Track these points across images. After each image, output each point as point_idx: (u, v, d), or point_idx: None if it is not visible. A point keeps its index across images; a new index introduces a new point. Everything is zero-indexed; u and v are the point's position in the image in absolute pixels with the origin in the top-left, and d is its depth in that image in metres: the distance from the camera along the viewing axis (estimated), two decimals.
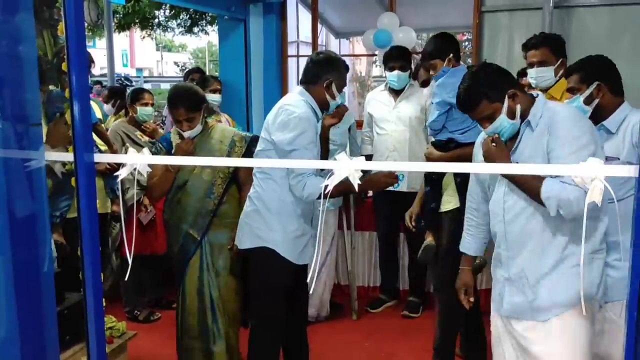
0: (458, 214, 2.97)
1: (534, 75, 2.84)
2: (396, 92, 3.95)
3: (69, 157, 1.47)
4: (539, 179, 1.89)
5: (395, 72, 3.82)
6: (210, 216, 2.79)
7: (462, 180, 2.92)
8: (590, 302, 1.96)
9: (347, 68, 2.71)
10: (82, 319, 1.49)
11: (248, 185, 2.71)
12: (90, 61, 3.77)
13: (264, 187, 2.59)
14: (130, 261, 1.68)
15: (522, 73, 3.00)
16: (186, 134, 2.73)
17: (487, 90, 1.98)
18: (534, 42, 2.86)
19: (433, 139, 3.08)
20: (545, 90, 2.77)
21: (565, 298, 1.95)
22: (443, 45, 2.93)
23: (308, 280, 2.44)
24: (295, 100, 2.58)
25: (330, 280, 3.99)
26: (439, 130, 2.99)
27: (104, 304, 1.59)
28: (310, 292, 3.29)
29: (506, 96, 1.97)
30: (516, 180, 1.98)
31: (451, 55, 2.91)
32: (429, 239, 3.11)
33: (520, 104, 1.99)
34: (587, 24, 4.51)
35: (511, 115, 1.98)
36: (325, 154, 2.75)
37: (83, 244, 1.48)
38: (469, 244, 2.34)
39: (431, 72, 3.02)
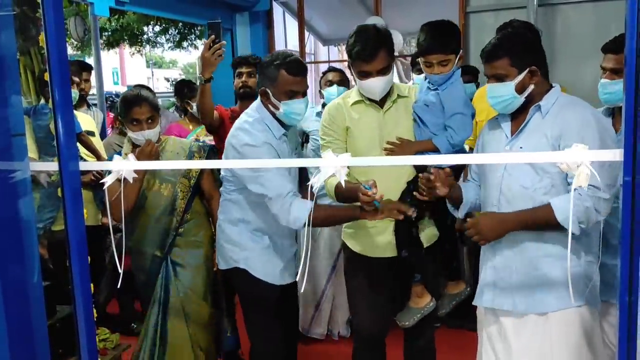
0: (438, 247, 2.44)
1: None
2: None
3: (53, 166, 1.46)
4: (545, 207, 1.78)
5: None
6: (174, 235, 2.57)
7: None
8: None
9: (292, 69, 2.17)
10: (74, 332, 1.48)
11: (216, 195, 2.54)
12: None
13: (229, 201, 2.40)
14: (121, 271, 1.67)
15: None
16: (147, 134, 2.46)
17: (515, 53, 1.87)
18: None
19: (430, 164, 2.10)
20: None
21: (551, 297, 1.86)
22: (459, 40, 2.34)
23: (298, 281, 2.25)
24: (247, 122, 2.26)
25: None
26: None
27: (95, 314, 1.57)
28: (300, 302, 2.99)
29: (527, 69, 1.86)
30: (525, 220, 1.83)
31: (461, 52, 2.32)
32: (427, 299, 2.34)
33: (536, 85, 1.88)
34: (571, 21, 4.54)
35: (520, 89, 1.87)
36: None
37: (71, 255, 1.47)
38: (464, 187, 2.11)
39: (439, 70, 2.20)
